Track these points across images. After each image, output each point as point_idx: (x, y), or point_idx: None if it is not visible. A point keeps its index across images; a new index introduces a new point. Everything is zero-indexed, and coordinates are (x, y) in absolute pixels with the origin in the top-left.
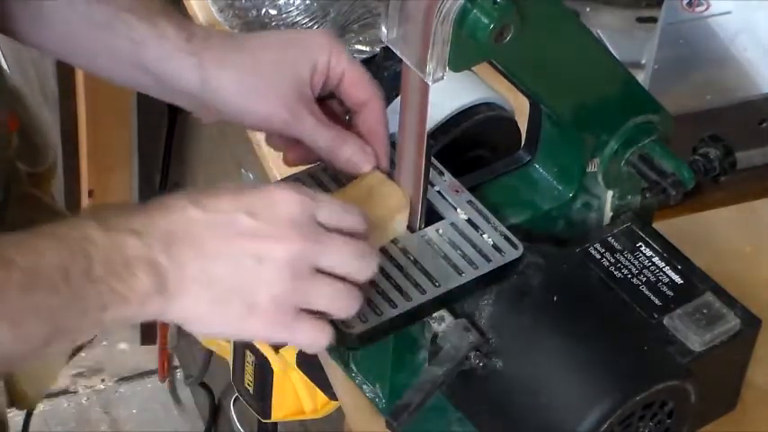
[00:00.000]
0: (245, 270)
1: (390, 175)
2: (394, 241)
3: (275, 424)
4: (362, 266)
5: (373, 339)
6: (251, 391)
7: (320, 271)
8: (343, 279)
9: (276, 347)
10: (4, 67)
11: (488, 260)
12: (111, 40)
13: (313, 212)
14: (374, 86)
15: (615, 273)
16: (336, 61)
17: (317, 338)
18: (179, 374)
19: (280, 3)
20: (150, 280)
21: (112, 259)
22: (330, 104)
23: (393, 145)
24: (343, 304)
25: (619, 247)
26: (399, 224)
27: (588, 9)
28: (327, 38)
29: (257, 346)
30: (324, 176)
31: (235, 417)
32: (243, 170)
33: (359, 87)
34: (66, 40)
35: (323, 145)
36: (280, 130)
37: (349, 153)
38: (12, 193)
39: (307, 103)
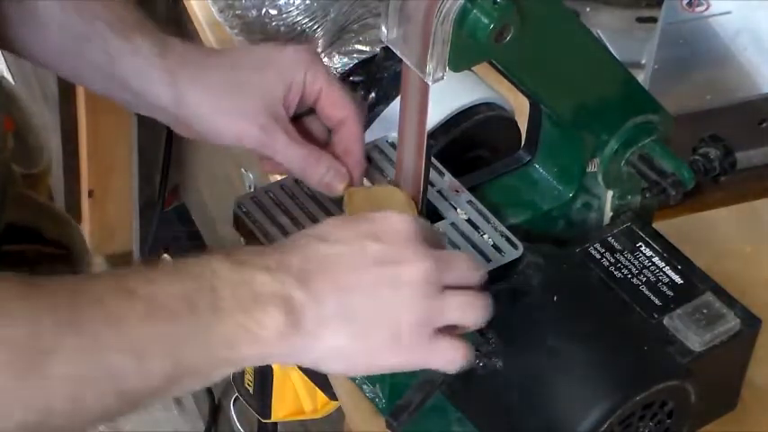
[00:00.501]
0: (384, 298)
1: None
2: None
3: (275, 424)
4: (481, 274)
5: None
6: (251, 391)
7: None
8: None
9: None
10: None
11: (488, 260)
12: (88, 52)
13: (425, 231)
14: (352, 105)
15: (615, 273)
16: (313, 79)
17: (456, 356)
18: None
19: (280, 3)
20: (283, 317)
21: (241, 294)
22: (308, 122)
23: (393, 145)
24: (476, 313)
25: (619, 247)
26: None
27: (588, 9)
28: (305, 55)
29: None
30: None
31: (235, 417)
32: (243, 170)
33: (336, 106)
34: (49, 50)
35: (295, 164)
36: (253, 149)
37: (322, 172)
38: (7, 194)
39: (280, 122)
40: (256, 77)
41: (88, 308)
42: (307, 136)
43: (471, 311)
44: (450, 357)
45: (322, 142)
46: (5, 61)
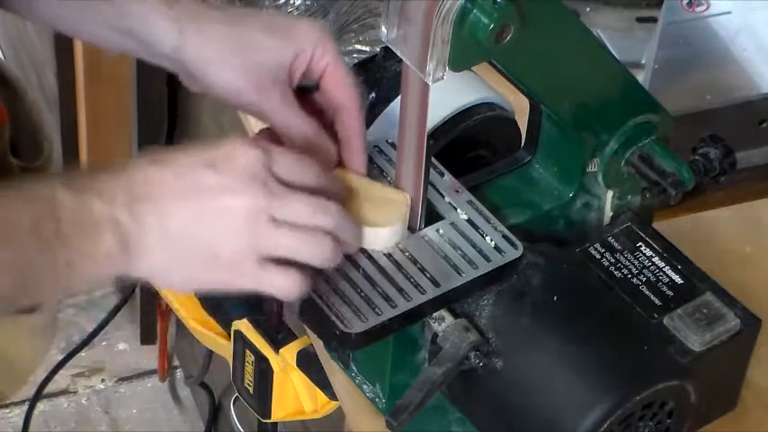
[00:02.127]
0: (204, 224)
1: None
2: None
3: (275, 424)
4: (323, 219)
5: (373, 339)
6: (251, 391)
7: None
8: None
9: (276, 347)
10: (1, 58)
11: (488, 260)
12: (93, 4)
13: (270, 166)
14: (354, 91)
15: (615, 273)
16: (321, 54)
17: (284, 285)
18: (179, 374)
19: (280, 2)
20: (114, 239)
21: (80, 219)
22: (314, 99)
23: (393, 145)
24: (312, 251)
25: (619, 247)
26: (400, 228)
27: (588, 9)
28: (318, 30)
29: (257, 346)
30: None
31: (235, 417)
32: None
33: (338, 88)
34: (49, 6)
35: (287, 128)
36: (248, 107)
37: (315, 146)
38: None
39: (281, 87)
40: (263, 38)
41: None
42: (308, 112)
43: (306, 248)
44: (278, 284)
45: (324, 124)
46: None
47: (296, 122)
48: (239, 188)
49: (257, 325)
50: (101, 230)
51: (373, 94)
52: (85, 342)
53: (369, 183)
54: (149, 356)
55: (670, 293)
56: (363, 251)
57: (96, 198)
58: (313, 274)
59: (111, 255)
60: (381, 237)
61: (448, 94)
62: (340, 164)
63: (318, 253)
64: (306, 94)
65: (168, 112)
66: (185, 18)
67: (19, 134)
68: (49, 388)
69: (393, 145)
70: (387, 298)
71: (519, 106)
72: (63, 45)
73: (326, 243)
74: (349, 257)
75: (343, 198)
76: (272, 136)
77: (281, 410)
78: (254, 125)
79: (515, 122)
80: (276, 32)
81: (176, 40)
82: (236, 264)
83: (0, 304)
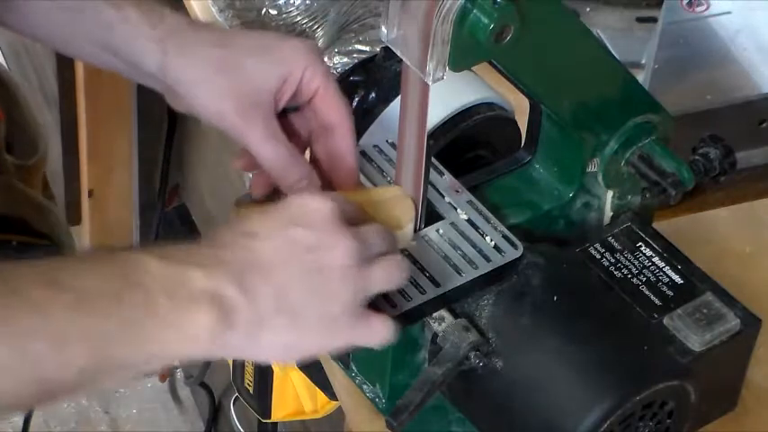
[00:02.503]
0: (316, 286)
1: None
2: None
3: (275, 424)
4: (387, 242)
5: None
6: (251, 391)
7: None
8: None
9: None
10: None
11: (488, 260)
12: (81, 23)
13: (341, 206)
14: (347, 110)
15: (615, 273)
16: (311, 76)
17: (385, 329)
18: (179, 374)
19: (280, 3)
20: (216, 316)
21: (173, 292)
22: (293, 120)
23: (393, 145)
24: (398, 275)
25: (619, 247)
26: (406, 234)
27: (588, 9)
28: (307, 50)
29: None
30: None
31: (235, 417)
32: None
33: (330, 108)
34: (39, 23)
35: (269, 160)
36: (229, 132)
37: (295, 178)
38: None
39: (264, 112)
40: (250, 62)
41: (12, 296)
42: (290, 134)
43: (394, 275)
44: (381, 332)
45: (304, 143)
46: (6, 61)
47: (276, 152)
48: (333, 239)
49: None
50: (199, 304)
51: (373, 94)
52: None
53: (366, 191)
54: None
55: (670, 293)
56: None
57: (194, 269)
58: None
59: (210, 332)
60: (402, 238)
61: (448, 94)
62: (329, 184)
63: (403, 276)
64: (286, 113)
65: (168, 112)
66: (169, 39)
67: (14, 132)
68: None
69: (393, 145)
70: (386, 298)
71: (519, 106)
72: None
73: (402, 263)
74: None
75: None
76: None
77: (281, 410)
78: None
79: (515, 122)
80: (264, 55)
81: (160, 60)
82: (351, 319)
83: (81, 382)
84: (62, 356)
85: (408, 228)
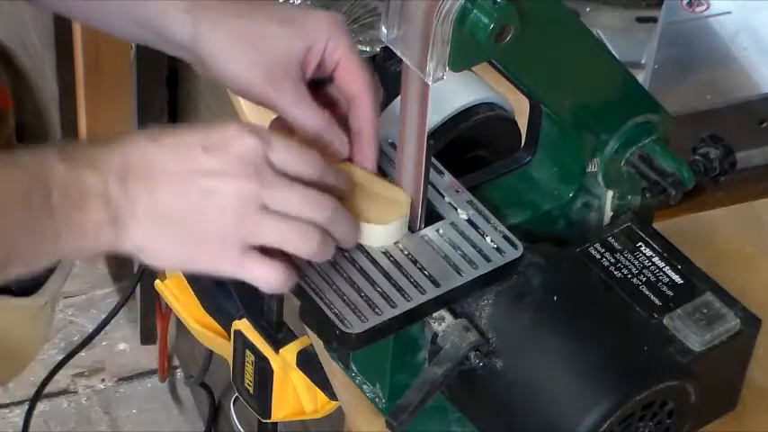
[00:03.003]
0: (193, 204)
1: (386, 174)
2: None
3: (275, 424)
4: (313, 212)
5: (373, 339)
6: (251, 391)
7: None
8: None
9: (276, 347)
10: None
11: (488, 260)
12: None
13: (266, 154)
14: (368, 81)
15: (615, 273)
16: (334, 47)
17: (266, 275)
18: (179, 374)
19: (280, 3)
20: (104, 212)
21: (71, 190)
22: (327, 92)
23: (393, 145)
24: (298, 241)
25: (619, 247)
26: (400, 227)
27: (588, 9)
28: (330, 22)
29: (257, 346)
30: None
31: (235, 417)
32: None
33: (353, 79)
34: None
35: (301, 123)
36: (260, 100)
37: (326, 140)
38: None
39: (292, 79)
40: (276, 30)
41: None
42: (324, 105)
43: (292, 238)
44: (259, 273)
45: (339, 116)
46: None
47: (307, 115)
48: (231, 172)
49: (257, 325)
50: (90, 202)
51: None
52: (85, 342)
53: (374, 179)
54: (149, 356)
55: (670, 293)
56: (363, 251)
57: (89, 170)
58: (298, 268)
59: (100, 226)
60: (376, 234)
61: (448, 94)
62: (350, 157)
63: (304, 244)
64: (320, 86)
65: (168, 111)
66: (198, 10)
67: (24, 119)
68: (49, 388)
69: (393, 145)
70: (387, 298)
71: (519, 106)
72: (63, 45)
73: (314, 236)
74: (349, 257)
75: (345, 193)
76: (284, 125)
77: (281, 410)
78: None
79: (515, 122)
80: (289, 25)
81: (191, 32)
82: (220, 246)
83: None
84: None
85: (390, 226)
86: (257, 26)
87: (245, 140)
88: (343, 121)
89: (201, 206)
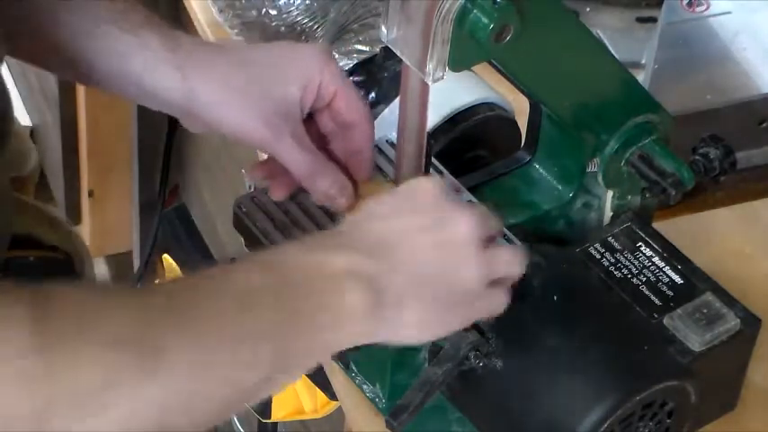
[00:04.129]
0: (447, 262)
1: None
2: None
3: (275, 424)
4: (500, 224)
5: None
6: None
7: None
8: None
9: None
10: None
11: None
12: (93, 51)
13: (444, 185)
14: (365, 108)
15: (615, 273)
16: (330, 80)
17: (503, 300)
18: None
19: (280, 3)
20: (362, 289)
21: (316, 275)
22: (319, 123)
23: (393, 145)
24: (519, 262)
25: (619, 247)
26: None
27: (588, 9)
28: (321, 55)
29: None
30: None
31: (235, 417)
32: (243, 171)
33: (350, 108)
34: (51, 50)
35: (300, 170)
36: (259, 146)
37: (327, 185)
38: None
39: (291, 123)
40: (270, 74)
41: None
42: (316, 141)
43: (515, 261)
44: (500, 302)
45: (328, 141)
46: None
47: (306, 158)
48: (452, 217)
49: None
50: (344, 284)
51: (373, 94)
52: None
53: (378, 183)
54: None
55: (670, 293)
56: None
57: (334, 253)
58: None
59: (364, 306)
60: None
61: (448, 94)
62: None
63: (522, 264)
64: (310, 121)
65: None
66: (188, 63)
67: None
68: None
69: (393, 145)
70: None
71: (519, 106)
72: None
73: (521, 252)
74: None
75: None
76: (275, 166)
77: (281, 410)
78: None
79: (515, 122)
80: (282, 68)
81: (181, 87)
82: (481, 292)
83: (267, 380)
84: (245, 356)
85: None
86: (251, 73)
87: (432, 183)
88: (338, 148)
89: (455, 259)
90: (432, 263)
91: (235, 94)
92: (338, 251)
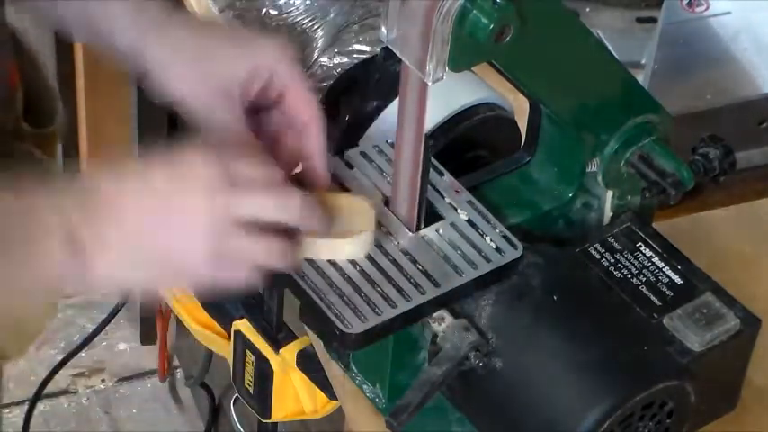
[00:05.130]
0: (165, 235)
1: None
2: (394, 241)
3: (275, 424)
4: (286, 209)
5: (373, 339)
6: (251, 391)
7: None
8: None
9: (276, 347)
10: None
11: (488, 260)
12: (64, 8)
13: (224, 170)
14: (317, 110)
15: (615, 273)
16: (282, 73)
17: (238, 281)
18: (179, 374)
19: (280, 3)
20: (67, 247)
21: (29, 226)
22: (270, 118)
23: (392, 145)
24: (273, 259)
25: (619, 247)
26: (357, 243)
27: (588, 9)
28: (279, 50)
29: (257, 346)
30: None
31: (235, 417)
32: None
33: (301, 107)
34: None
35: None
36: (195, 113)
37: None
38: (15, 152)
39: (229, 99)
40: (221, 49)
41: None
42: (264, 131)
43: (262, 250)
44: (229, 280)
45: (278, 139)
46: None
47: (236, 134)
48: (193, 195)
49: (257, 325)
50: (51, 235)
51: (373, 94)
52: (85, 342)
53: (334, 195)
54: (149, 356)
55: (670, 293)
56: None
57: (47, 208)
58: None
59: (63, 259)
60: (347, 249)
61: (448, 94)
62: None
63: (278, 260)
64: (261, 113)
65: (169, 111)
66: (147, 22)
67: (31, 100)
68: (49, 388)
69: (393, 145)
70: (387, 298)
71: (519, 106)
72: (63, 45)
73: (283, 249)
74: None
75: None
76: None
77: (281, 410)
78: None
79: (515, 122)
80: (235, 46)
81: (137, 43)
82: (190, 264)
83: None
84: None
85: (361, 237)
86: (204, 43)
87: (199, 161)
88: (284, 148)
89: (174, 237)
90: (149, 235)
91: (181, 59)
92: (54, 207)
